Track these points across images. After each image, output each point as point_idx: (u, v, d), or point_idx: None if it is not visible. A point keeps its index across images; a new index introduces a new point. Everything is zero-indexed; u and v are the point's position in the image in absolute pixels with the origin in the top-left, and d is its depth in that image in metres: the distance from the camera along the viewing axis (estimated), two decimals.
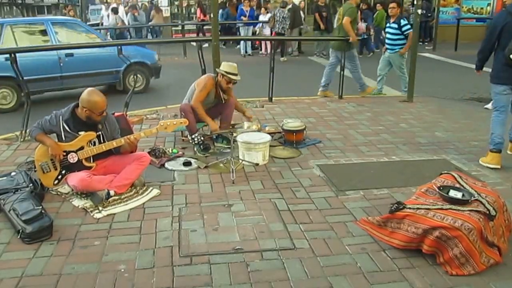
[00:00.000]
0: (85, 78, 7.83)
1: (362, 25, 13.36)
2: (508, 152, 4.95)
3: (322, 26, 13.93)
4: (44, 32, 8.11)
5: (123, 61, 7.50)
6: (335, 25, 8.42)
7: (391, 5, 8.14)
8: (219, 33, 6.91)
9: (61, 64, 7.93)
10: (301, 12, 14.90)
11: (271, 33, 14.25)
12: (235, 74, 4.99)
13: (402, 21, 7.89)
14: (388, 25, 8.35)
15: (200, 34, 16.64)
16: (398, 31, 7.84)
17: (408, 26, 7.82)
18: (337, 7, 14.29)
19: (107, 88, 8.98)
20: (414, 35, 7.64)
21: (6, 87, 7.54)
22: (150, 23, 16.51)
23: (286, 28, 13.63)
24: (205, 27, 16.67)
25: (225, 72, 4.95)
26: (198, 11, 17.39)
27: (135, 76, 7.20)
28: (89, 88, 3.84)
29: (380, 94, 8.22)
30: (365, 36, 13.94)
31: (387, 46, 8.19)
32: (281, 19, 13.48)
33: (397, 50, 7.84)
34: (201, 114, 4.93)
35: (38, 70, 7.54)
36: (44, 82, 7.78)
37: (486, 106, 7.24)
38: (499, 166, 4.51)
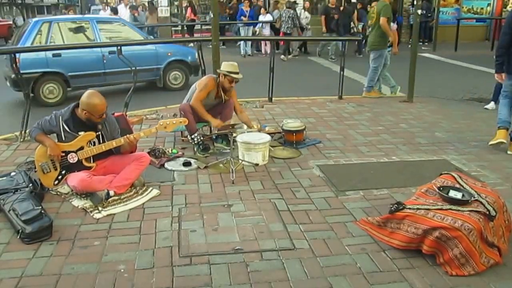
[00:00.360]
0: (127, 74, 7.88)
1: (394, 26, 12.90)
2: (509, 152, 4.95)
3: (324, 29, 13.67)
4: (89, 30, 8.46)
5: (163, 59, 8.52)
6: (368, 24, 8.35)
7: (374, 4, 8.07)
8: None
9: (105, 61, 8.27)
10: (306, 13, 14.85)
11: (279, 33, 14.34)
12: (237, 73, 4.99)
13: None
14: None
15: (187, 35, 16.70)
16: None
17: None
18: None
19: (147, 84, 9.31)
20: (414, 36, 7.64)
21: (53, 82, 7.90)
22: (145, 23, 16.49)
23: (291, 28, 13.76)
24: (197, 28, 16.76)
25: (227, 72, 4.94)
26: (189, 10, 17.37)
27: (134, 77, 7.19)
28: (89, 90, 3.84)
29: (397, 92, 8.13)
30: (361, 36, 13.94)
31: None
32: (287, 19, 13.62)
33: (388, 48, 7.79)
34: (201, 113, 4.92)
35: (83, 66, 8.01)
36: (88, 78, 8.16)
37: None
38: (504, 141, 4.99)
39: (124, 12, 15.60)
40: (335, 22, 13.60)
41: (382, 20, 7.38)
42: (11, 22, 25.47)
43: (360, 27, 14.22)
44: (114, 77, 8.42)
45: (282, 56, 13.70)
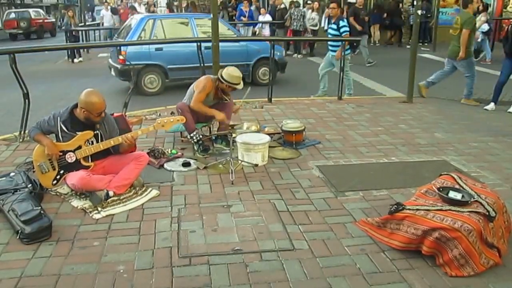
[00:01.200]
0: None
1: (478, 33, 12.05)
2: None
3: (359, 28, 12.71)
4: (187, 26, 9.28)
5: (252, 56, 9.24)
6: (451, 32, 7.82)
7: (332, 5, 7.92)
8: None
9: (202, 55, 8.40)
10: (314, 13, 14.82)
11: (287, 32, 14.46)
12: (238, 84, 4.90)
13: (341, 22, 7.68)
14: (329, 26, 8.20)
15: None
16: (337, 32, 7.68)
17: (346, 28, 7.63)
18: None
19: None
20: (414, 36, 7.64)
21: (154, 73, 8.77)
22: None
23: (303, 26, 14.11)
24: None
25: (228, 82, 4.84)
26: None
27: (133, 77, 7.22)
28: (88, 89, 3.82)
29: (324, 96, 7.92)
30: None
31: (329, 47, 8.01)
32: (299, 17, 14.02)
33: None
34: (204, 111, 4.89)
35: (181, 60, 8.59)
36: (185, 71, 8.68)
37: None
38: None
39: (140, 10, 15.55)
40: (363, 24, 13.01)
41: (465, 32, 7.22)
42: (54, 20, 29.92)
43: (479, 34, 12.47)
44: (209, 71, 8.75)
45: (295, 55, 13.93)
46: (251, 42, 9.66)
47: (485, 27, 12.60)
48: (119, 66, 8.62)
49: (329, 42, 8.12)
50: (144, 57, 8.09)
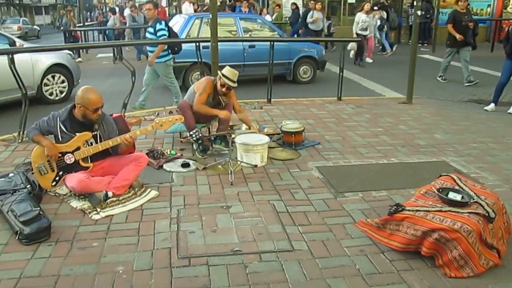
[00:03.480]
0: (262, 67, 8.46)
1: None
2: None
3: (458, 37, 9.21)
4: (233, 26, 9.67)
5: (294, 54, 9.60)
6: None
7: (147, 6, 7.11)
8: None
9: (245, 54, 9.26)
10: (320, 14, 14.64)
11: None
12: (233, 81, 4.90)
13: (158, 24, 6.81)
14: (147, 29, 7.23)
15: None
16: (155, 36, 6.84)
17: (163, 32, 6.81)
18: None
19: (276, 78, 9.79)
20: (414, 37, 7.64)
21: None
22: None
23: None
24: None
25: (223, 75, 4.86)
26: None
27: (133, 77, 7.20)
28: (85, 86, 3.83)
29: (141, 109, 7.05)
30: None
31: (148, 52, 7.24)
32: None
33: (161, 59, 6.88)
34: (207, 111, 4.89)
35: (226, 58, 8.33)
36: None
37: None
38: None
39: (188, 8, 15.43)
40: (470, 32, 9.39)
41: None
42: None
43: None
44: (252, 69, 9.29)
45: None
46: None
47: (378, 22, 13.57)
48: None
49: (148, 48, 7.36)
50: (192, 55, 7.78)
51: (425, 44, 16.74)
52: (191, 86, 5.17)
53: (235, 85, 4.94)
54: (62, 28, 16.17)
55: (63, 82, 8.31)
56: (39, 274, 2.79)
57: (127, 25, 15.30)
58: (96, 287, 2.68)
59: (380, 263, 2.92)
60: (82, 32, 15.75)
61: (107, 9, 17.57)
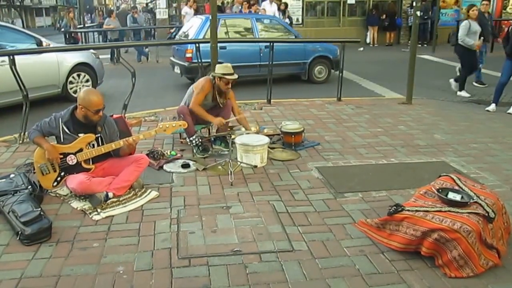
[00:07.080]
0: (278, 67, 8.61)
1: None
2: None
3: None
4: (249, 26, 9.84)
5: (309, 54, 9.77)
6: None
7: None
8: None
9: (261, 54, 9.22)
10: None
11: None
12: (231, 74, 4.95)
13: None
14: None
15: None
16: None
17: None
18: None
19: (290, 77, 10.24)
20: (413, 37, 7.65)
21: None
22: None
23: None
24: None
25: (221, 74, 4.90)
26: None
27: (133, 78, 7.22)
28: (86, 88, 3.86)
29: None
30: None
31: None
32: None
33: None
34: (202, 115, 4.90)
35: (243, 58, 8.92)
36: (246, 69, 8.93)
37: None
38: None
39: (269, 8, 15.46)
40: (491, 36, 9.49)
41: None
42: None
43: None
44: (267, 69, 9.17)
45: None
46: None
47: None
48: (186, 64, 9.12)
49: None
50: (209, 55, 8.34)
51: (425, 45, 16.74)
52: (190, 86, 5.18)
53: (236, 76, 4.99)
54: (62, 29, 16.16)
55: (87, 80, 8.50)
56: (40, 274, 2.80)
57: (128, 26, 15.32)
58: (97, 287, 2.68)
59: (380, 263, 2.93)
60: (82, 34, 15.76)
61: (108, 9, 17.54)
